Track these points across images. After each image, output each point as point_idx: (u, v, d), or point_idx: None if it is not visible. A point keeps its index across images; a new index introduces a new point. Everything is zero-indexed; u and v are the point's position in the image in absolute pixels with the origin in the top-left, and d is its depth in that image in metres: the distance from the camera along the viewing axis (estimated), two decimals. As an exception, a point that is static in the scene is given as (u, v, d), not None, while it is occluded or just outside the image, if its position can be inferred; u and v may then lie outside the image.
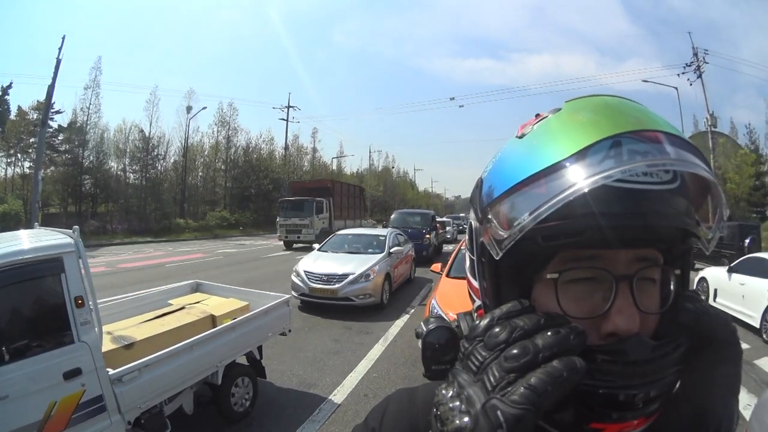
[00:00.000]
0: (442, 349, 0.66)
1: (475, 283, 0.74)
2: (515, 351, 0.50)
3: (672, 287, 0.64)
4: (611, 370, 0.55)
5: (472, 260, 0.75)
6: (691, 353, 0.61)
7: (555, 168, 0.55)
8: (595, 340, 0.57)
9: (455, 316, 0.75)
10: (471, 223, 0.73)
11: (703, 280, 11.77)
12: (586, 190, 0.52)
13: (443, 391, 0.52)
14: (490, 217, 0.62)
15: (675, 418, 0.62)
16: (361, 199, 41.13)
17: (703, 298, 0.65)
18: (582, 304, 0.60)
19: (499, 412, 0.46)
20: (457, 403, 0.50)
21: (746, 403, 5.63)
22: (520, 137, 0.66)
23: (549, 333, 0.52)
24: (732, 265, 10.71)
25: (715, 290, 11.05)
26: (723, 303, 10.27)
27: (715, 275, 11.29)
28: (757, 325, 9.06)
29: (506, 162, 0.65)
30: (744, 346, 6.80)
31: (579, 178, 0.53)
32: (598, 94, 0.67)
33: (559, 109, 0.66)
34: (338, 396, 5.94)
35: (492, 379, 0.49)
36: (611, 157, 0.53)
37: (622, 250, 0.58)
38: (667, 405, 0.60)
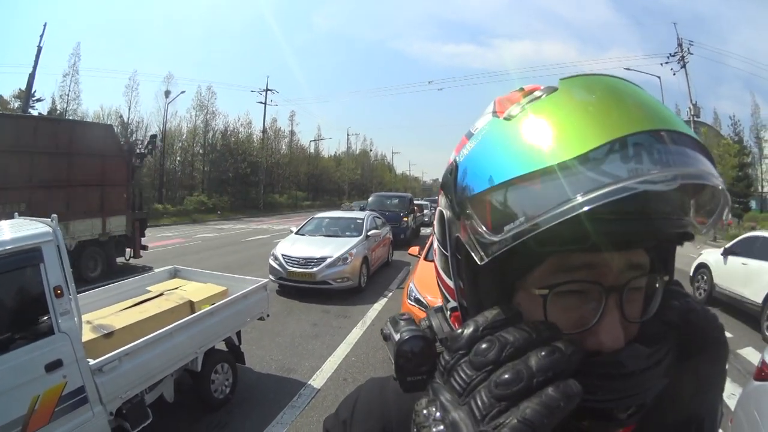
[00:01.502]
0: (417, 359, 0.58)
1: (449, 282, 0.67)
2: (507, 376, 0.45)
3: (659, 292, 0.61)
4: (608, 385, 0.52)
5: (444, 255, 0.67)
6: (681, 350, 0.59)
7: (560, 168, 0.47)
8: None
9: (436, 302, 0.72)
10: (442, 212, 0.65)
11: (702, 266, 11.08)
12: (601, 202, 0.44)
13: (425, 411, 0.48)
14: (470, 212, 0.54)
15: (661, 417, 0.60)
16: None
17: (693, 291, 0.61)
18: (568, 316, 0.55)
19: None
20: (441, 427, 0.45)
21: (730, 392, 5.76)
22: (508, 119, 0.56)
23: (543, 353, 0.46)
24: (728, 246, 10.41)
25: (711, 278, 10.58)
26: (724, 289, 10.02)
27: (713, 260, 10.69)
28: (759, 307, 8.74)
29: (492, 148, 0.56)
30: (728, 335, 7.02)
31: (589, 186, 0.45)
32: (598, 74, 0.60)
33: (555, 89, 0.57)
34: (318, 381, 6.00)
35: (481, 405, 0.44)
36: (622, 162, 0.47)
37: (616, 258, 0.54)
38: (656, 404, 0.57)
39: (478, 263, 0.52)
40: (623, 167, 0.46)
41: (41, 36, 25.80)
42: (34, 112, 36.69)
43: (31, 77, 26.37)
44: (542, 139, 0.51)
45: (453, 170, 0.61)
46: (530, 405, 0.42)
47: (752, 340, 8.20)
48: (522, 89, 0.61)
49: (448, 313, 0.69)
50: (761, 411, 3.35)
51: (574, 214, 0.44)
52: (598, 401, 0.51)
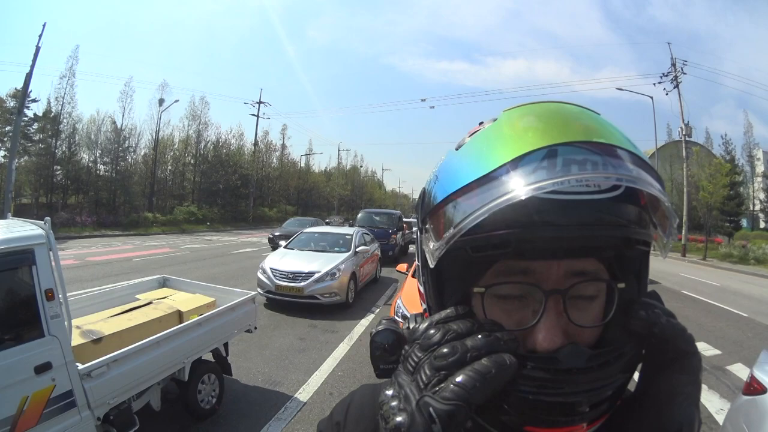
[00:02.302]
0: (390, 350, 0.68)
1: (422, 288, 0.75)
2: (445, 350, 0.53)
3: (615, 299, 0.63)
4: (542, 377, 0.55)
5: (418, 265, 0.77)
6: (650, 361, 0.63)
7: (485, 179, 0.55)
8: (521, 352, 0.57)
9: None
10: (415, 230, 0.76)
11: None
12: (509, 203, 0.51)
13: (386, 392, 0.55)
14: (428, 226, 0.64)
15: (634, 427, 0.62)
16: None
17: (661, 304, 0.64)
18: (509, 317, 0.61)
19: (431, 409, 0.48)
20: (396, 402, 0.52)
21: (719, 407, 5.85)
22: (457, 149, 0.67)
23: (480, 336, 0.54)
24: None
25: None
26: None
27: None
28: None
29: (442, 174, 0.65)
30: (715, 351, 7.04)
31: (507, 191, 0.52)
32: (538, 101, 0.68)
33: (496, 119, 0.66)
34: (304, 394, 5.98)
35: (424, 377, 0.52)
36: (544, 168, 0.53)
37: (554, 265, 0.59)
38: (625, 412, 0.62)
39: (431, 267, 0.63)
40: (541, 174, 0.52)
41: (40, 36, 25.65)
42: (29, 113, 36.66)
43: (29, 77, 26.18)
44: (474, 159, 0.60)
45: (421, 195, 0.72)
46: (464, 372, 0.50)
47: (741, 356, 8.29)
48: (482, 122, 0.70)
49: (423, 315, 0.76)
50: (750, 425, 3.41)
51: (479, 221, 0.53)
52: (532, 392, 0.56)
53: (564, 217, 0.54)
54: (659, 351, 0.62)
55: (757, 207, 50.98)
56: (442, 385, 0.50)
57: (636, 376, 0.66)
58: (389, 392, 0.54)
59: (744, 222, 46.48)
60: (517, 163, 0.54)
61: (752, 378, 3.59)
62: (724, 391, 6.58)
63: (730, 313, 12.73)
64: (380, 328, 0.71)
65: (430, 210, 0.64)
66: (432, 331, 0.56)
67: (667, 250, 0.64)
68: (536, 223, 0.54)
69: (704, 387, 6.64)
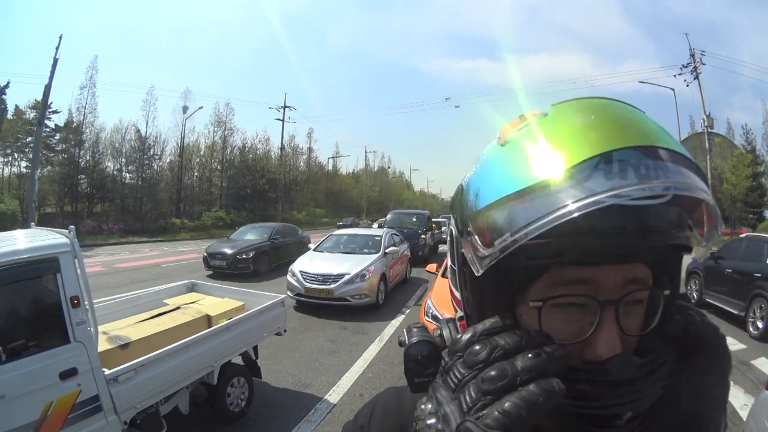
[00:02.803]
0: (424, 362, 0.63)
1: (458, 294, 0.73)
2: (493, 373, 0.49)
3: (660, 306, 0.62)
4: (595, 391, 0.54)
5: (453, 269, 0.73)
6: (681, 361, 0.61)
7: (542, 186, 0.52)
8: (578, 363, 0.56)
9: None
10: (451, 230, 0.70)
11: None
12: (576, 215, 0.48)
13: (422, 406, 0.53)
14: (470, 229, 0.60)
15: (663, 427, 0.61)
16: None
17: (692, 304, 0.63)
18: (567, 327, 0.58)
19: None
20: (434, 420, 0.50)
21: (743, 403, 5.70)
22: (503, 144, 0.63)
23: (530, 355, 0.50)
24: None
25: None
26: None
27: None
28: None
29: (488, 172, 0.62)
30: (740, 346, 6.87)
31: (568, 200, 0.49)
32: (586, 97, 0.64)
33: (545, 114, 0.62)
34: (334, 396, 5.95)
35: (468, 399, 0.49)
36: (604, 178, 0.50)
37: (612, 272, 0.57)
38: (656, 413, 0.59)
39: (476, 275, 0.58)
40: (605, 182, 0.50)
41: (57, 48, 26.19)
42: (51, 124, 37.54)
43: (47, 88, 26.74)
44: (528, 161, 0.56)
45: (459, 192, 0.67)
46: (511, 399, 0.46)
47: (765, 351, 8.10)
48: (522, 115, 0.64)
49: (458, 322, 0.74)
50: None
51: (547, 229, 0.49)
52: (587, 406, 0.54)
53: (624, 222, 0.52)
54: (691, 351, 0.61)
55: (780, 198, 49.87)
56: (486, 410, 0.47)
57: None
58: (426, 407, 0.52)
59: (767, 213, 45.49)
60: (578, 169, 0.51)
61: None
62: (749, 386, 6.43)
63: None
64: (414, 339, 0.65)
65: (476, 212, 0.59)
66: (477, 347, 0.53)
67: (705, 254, 0.62)
68: (597, 230, 0.52)
69: (730, 383, 6.53)
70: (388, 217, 23.90)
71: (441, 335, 0.69)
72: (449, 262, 0.75)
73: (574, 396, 0.53)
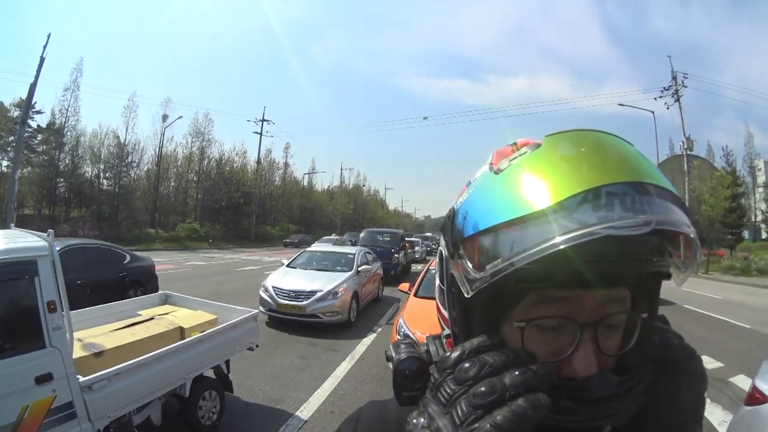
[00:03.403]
0: (412, 377, 0.68)
1: (445, 313, 0.75)
2: (483, 389, 0.52)
3: (638, 328, 0.66)
4: (576, 407, 0.58)
5: (441, 289, 0.76)
6: (660, 380, 0.65)
7: (533, 216, 0.55)
8: (557, 380, 0.58)
9: (424, 338, 0.80)
10: (441, 251, 0.73)
11: None
12: (562, 246, 0.52)
13: (414, 420, 0.55)
14: (461, 252, 0.63)
15: None
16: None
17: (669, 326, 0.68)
18: (547, 346, 0.62)
19: None
20: None
21: (721, 419, 5.85)
22: (496, 173, 0.65)
23: (517, 372, 0.53)
24: None
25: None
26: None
27: None
28: None
29: (481, 199, 0.64)
30: (718, 364, 7.03)
31: (558, 231, 0.53)
32: (581, 129, 0.67)
33: (539, 145, 0.65)
34: (305, 412, 5.92)
35: (460, 413, 0.51)
36: (592, 210, 0.54)
37: (592, 295, 0.60)
38: (635, 427, 0.64)
39: (466, 296, 0.61)
40: (593, 215, 0.53)
41: (45, 46, 25.87)
42: (33, 124, 36.92)
43: (33, 87, 26.34)
44: (521, 191, 0.59)
45: (451, 215, 0.70)
46: (501, 412, 0.49)
47: (744, 368, 8.28)
48: (515, 143, 0.68)
49: (444, 339, 0.77)
50: None
51: (539, 257, 0.53)
52: (569, 421, 0.58)
53: (607, 250, 0.56)
54: (668, 370, 0.64)
55: (759, 218, 50.88)
56: (478, 424, 0.50)
57: None
58: (419, 420, 0.55)
59: (746, 233, 46.33)
60: (570, 201, 0.55)
61: (754, 388, 3.59)
62: (727, 403, 6.58)
63: (733, 326, 12.78)
64: (403, 356, 0.70)
65: (468, 236, 0.62)
66: (467, 365, 0.56)
67: (683, 281, 0.65)
68: (581, 256, 0.55)
69: (707, 400, 6.60)
70: (362, 235, 23.92)
71: (428, 351, 0.74)
72: (438, 282, 0.78)
73: (557, 411, 0.56)
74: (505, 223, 0.57)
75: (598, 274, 0.57)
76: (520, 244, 0.55)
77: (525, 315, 0.62)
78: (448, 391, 0.55)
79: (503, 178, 0.63)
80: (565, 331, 0.62)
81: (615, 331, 0.64)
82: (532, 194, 0.57)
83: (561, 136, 0.66)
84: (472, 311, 0.67)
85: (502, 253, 0.56)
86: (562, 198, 0.55)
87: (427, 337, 0.78)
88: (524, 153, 0.64)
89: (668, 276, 0.66)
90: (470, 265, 0.61)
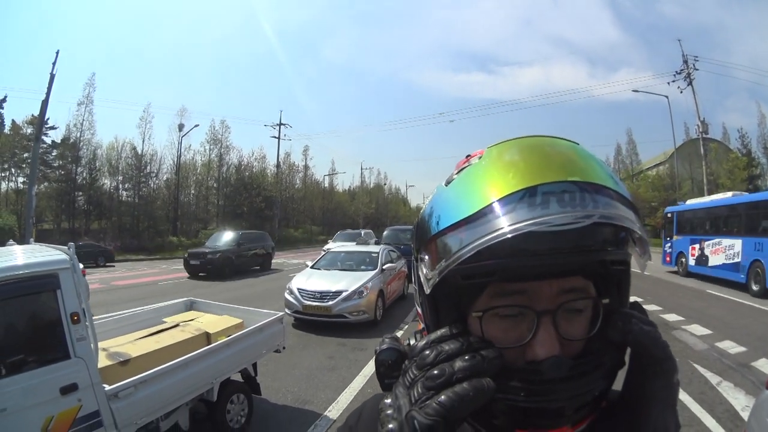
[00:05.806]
0: (392, 366, 0.74)
1: (419, 308, 0.82)
2: (435, 372, 0.60)
3: (599, 314, 0.70)
4: (528, 388, 0.63)
5: (415, 288, 0.83)
6: (630, 367, 0.70)
7: (474, 217, 0.63)
8: (521, 364, 0.65)
9: None
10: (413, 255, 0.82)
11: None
12: (492, 242, 0.59)
13: (386, 400, 0.63)
14: (422, 255, 0.73)
15: (612, 427, 0.71)
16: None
17: (640, 314, 0.70)
18: (509, 334, 0.67)
19: (415, 421, 0.56)
20: (391, 411, 0.61)
21: (744, 404, 5.77)
22: (447, 184, 0.75)
23: (466, 357, 0.61)
24: None
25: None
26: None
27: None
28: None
29: (435, 208, 0.73)
30: (740, 349, 6.91)
31: (494, 229, 0.60)
32: (521, 137, 0.76)
33: (482, 155, 0.74)
34: (333, 412, 5.92)
35: (416, 393, 0.59)
36: (525, 208, 0.60)
37: (546, 285, 0.66)
38: (604, 415, 0.70)
39: (426, 293, 0.70)
40: (528, 212, 0.60)
41: (53, 63, 26.29)
42: (48, 140, 37.54)
43: (45, 104, 26.78)
44: (461, 198, 0.68)
45: (417, 224, 0.80)
46: (446, 393, 0.57)
47: (766, 352, 8.16)
48: (469, 155, 0.77)
49: (422, 333, 0.82)
50: None
51: (471, 254, 0.61)
52: (523, 401, 0.64)
53: (543, 246, 0.61)
54: (637, 357, 0.69)
55: (776, 199, 49.91)
56: (428, 402, 0.57)
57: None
58: (387, 401, 0.63)
59: None
60: (502, 203, 0.62)
61: None
62: (750, 387, 6.48)
63: (755, 309, 12.43)
64: (384, 346, 0.77)
65: (425, 241, 0.72)
66: (427, 352, 0.64)
67: (644, 267, 0.71)
68: (518, 253, 0.61)
69: (730, 385, 6.65)
70: (385, 233, 23.92)
71: (409, 344, 0.78)
72: (413, 281, 0.86)
73: (510, 391, 0.63)
74: (449, 227, 0.66)
75: (549, 267, 0.63)
76: (459, 245, 0.63)
77: (484, 306, 0.68)
78: (411, 375, 0.63)
79: (451, 188, 0.73)
80: (525, 319, 0.67)
81: (578, 316, 0.69)
82: (472, 198, 0.65)
83: (503, 145, 0.74)
84: (439, 306, 0.74)
85: (447, 253, 0.65)
86: (497, 199, 0.63)
87: (414, 332, 0.83)
88: (471, 164, 0.73)
89: (621, 263, 0.69)
90: (427, 266, 0.70)
